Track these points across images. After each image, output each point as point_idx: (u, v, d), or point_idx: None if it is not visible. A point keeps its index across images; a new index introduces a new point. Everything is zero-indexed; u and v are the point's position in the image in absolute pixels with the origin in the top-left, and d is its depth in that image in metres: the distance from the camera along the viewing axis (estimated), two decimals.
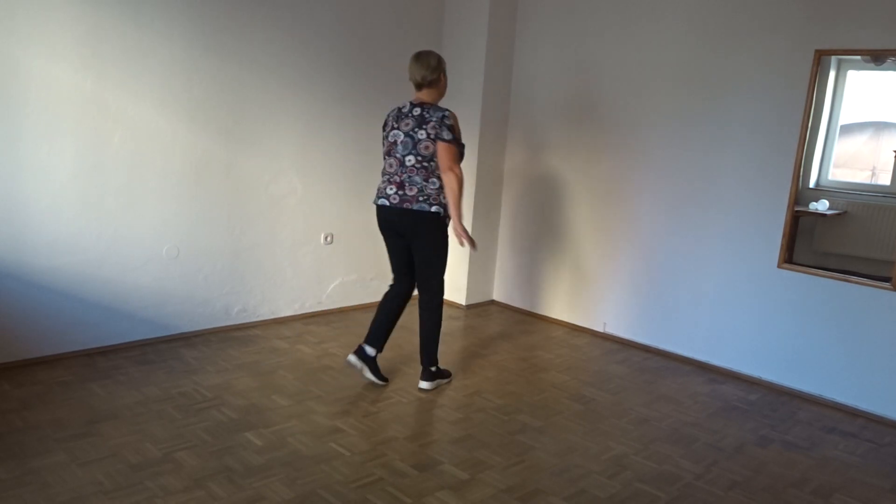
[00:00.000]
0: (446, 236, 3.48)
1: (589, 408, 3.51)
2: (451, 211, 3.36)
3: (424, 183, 3.37)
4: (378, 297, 4.99)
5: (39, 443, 2.79)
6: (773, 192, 3.82)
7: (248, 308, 4.34)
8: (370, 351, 3.56)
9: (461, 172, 3.35)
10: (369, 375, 3.56)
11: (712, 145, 4.04)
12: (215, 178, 4.03)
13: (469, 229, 4.99)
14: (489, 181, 5.06)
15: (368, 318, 4.67)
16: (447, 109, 3.36)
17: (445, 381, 3.70)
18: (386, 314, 3.61)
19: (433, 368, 3.61)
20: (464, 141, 4.98)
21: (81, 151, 3.52)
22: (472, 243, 3.43)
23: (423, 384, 3.58)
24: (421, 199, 3.37)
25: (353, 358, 3.55)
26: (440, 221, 3.42)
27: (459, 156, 3.37)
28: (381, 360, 3.96)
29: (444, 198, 3.38)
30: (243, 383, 3.51)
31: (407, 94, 4.87)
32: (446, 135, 3.32)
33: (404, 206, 3.38)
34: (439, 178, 3.37)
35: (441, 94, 3.45)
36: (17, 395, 3.19)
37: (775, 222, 3.83)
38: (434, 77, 3.38)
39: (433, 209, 3.38)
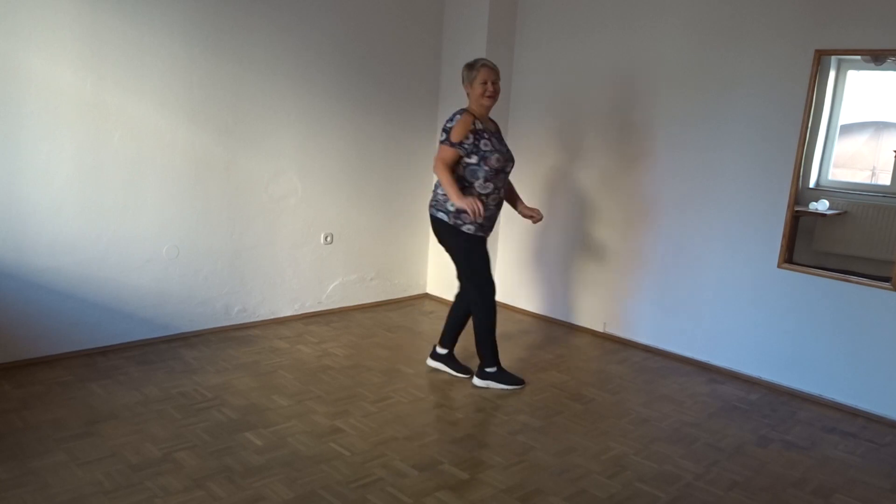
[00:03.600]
0: (466, 240, 3.45)
1: (589, 408, 3.51)
2: (449, 195, 3.33)
3: (436, 189, 3.49)
4: (378, 297, 5.01)
5: (39, 443, 2.79)
6: (773, 192, 3.82)
7: (247, 308, 4.34)
8: (440, 350, 3.81)
9: (437, 163, 3.35)
10: (451, 372, 3.78)
11: (712, 145, 4.04)
12: (215, 178, 4.03)
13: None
14: None
15: (368, 317, 4.70)
16: (460, 111, 3.41)
17: (503, 386, 3.65)
18: (451, 313, 3.80)
19: (488, 370, 3.65)
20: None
21: (81, 151, 3.52)
22: (475, 212, 3.23)
23: (475, 380, 3.69)
24: (433, 203, 3.51)
25: (430, 361, 3.86)
26: (450, 227, 3.45)
27: (450, 153, 3.34)
28: (383, 361, 3.97)
29: (451, 204, 3.38)
30: (243, 383, 3.51)
31: (406, 93, 4.89)
32: (441, 136, 3.40)
33: (429, 209, 3.57)
34: None
35: (470, 99, 3.47)
36: (17, 395, 3.19)
37: (775, 222, 3.83)
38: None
39: (439, 215, 3.47)
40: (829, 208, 3.76)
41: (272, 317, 4.47)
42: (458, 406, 3.43)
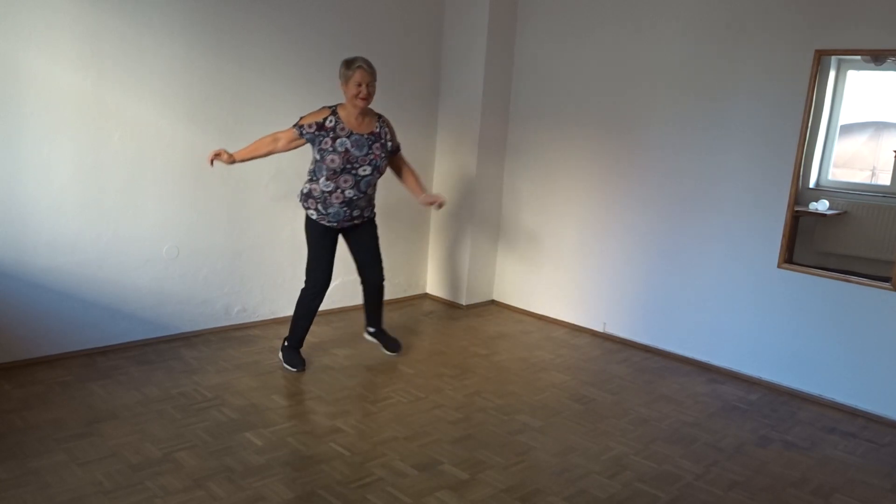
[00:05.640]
0: (306, 223, 3.67)
1: (589, 408, 3.51)
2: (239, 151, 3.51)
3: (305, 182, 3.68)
4: None
5: (39, 443, 2.79)
6: (773, 192, 3.82)
7: (248, 308, 4.34)
8: (370, 328, 4.08)
9: (272, 133, 3.52)
10: (380, 345, 4.05)
11: (712, 145, 4.04)
12: (215, 178, 4.03)
13: (470, 229, 5.01)
14: (490, 181, 5.06)
15: None
16: (328, 106, 3.56)
17: (283, 363, 3.75)
18: (363, 295, 4.05)
19: (284, 342, 3.80)
20: (465, 140, 5.03)
21: (81, 151, 3.52)
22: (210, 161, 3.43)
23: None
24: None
25: (366, 336, 4.12)
26: (303, 209, 3.67)
27: (288, 131, 3.51)
28: (383, 361, 3.96)
29: (303, 188, 3.61)
30: (243, 383, 3.51)
31: (406, 93, 4.90)
32: None
33: None
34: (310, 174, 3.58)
35: (345, 98, 3.52)
36: (17, 395, 3.19)
37: (775, 222, 3.83)
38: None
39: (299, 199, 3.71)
40: (829, 208, 3.76)
41: (272, 317, 4.47)
42: (458, 406, 3.43)
